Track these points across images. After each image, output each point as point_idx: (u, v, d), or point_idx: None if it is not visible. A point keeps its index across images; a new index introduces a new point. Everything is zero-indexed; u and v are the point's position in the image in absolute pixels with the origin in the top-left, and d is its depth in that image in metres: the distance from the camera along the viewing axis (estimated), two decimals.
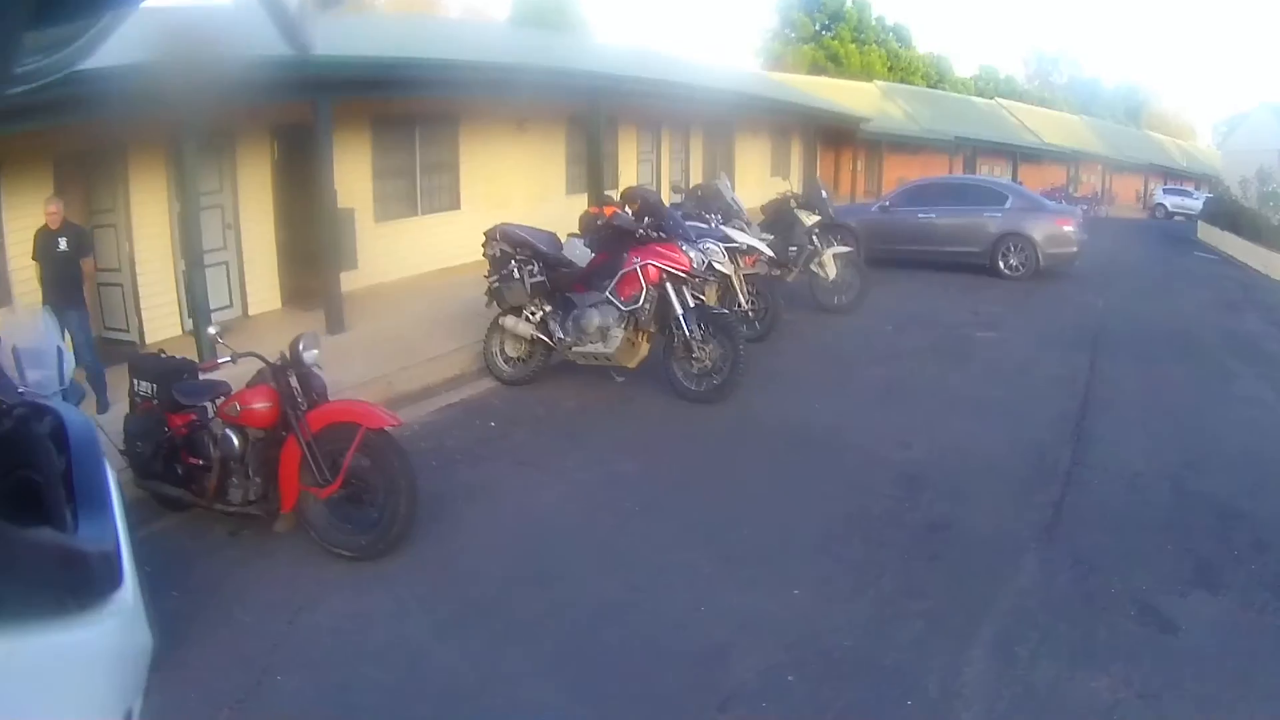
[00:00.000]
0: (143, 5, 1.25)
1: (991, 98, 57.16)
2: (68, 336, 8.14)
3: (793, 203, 13.51)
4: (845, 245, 13.92)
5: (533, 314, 9.93)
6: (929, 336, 12.20)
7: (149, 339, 11.17)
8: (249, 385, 6.11)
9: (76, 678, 1.05)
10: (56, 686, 1.00)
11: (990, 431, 8.41)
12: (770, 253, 12.08)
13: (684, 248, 9.29)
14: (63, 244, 8.75)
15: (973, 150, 40.65)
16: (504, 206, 15.40)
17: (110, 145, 10.78)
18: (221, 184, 12.61)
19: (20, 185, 10.16)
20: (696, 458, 7.93)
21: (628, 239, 9.61)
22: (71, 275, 8.81)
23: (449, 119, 16.48)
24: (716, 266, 10.90)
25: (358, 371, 9.82)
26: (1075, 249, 17.01)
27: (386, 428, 5.82)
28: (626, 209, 10.95)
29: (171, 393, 6.34)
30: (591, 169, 16.92)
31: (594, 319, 9.50)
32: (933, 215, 17.50)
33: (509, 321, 10.05)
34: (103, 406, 8.54)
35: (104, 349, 9.99)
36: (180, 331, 11.54)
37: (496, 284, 10.02)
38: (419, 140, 16.08)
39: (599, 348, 9.58)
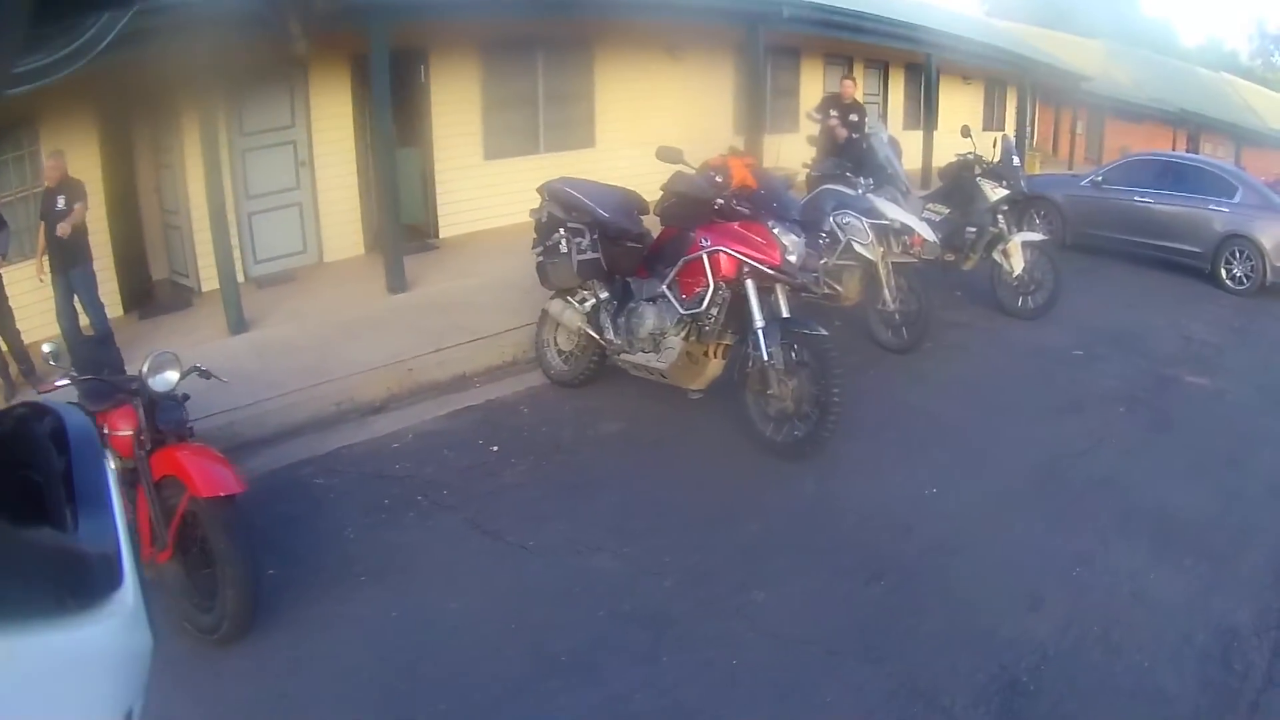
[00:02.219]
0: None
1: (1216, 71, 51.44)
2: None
3: (977, 169, 10.38)
4: (1037, 232, 10.81)
5: (583, 301, 7.47)
6: (1123, 372, 8.87)
7: (204, 287, 10.27)
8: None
9: (76, 678, 1.02)
10: (56, 686, 0.97)
11: (1165, 590, 5.10)
12: (930, 235, 9.04)
13: (777, 232, 6.38)
14: (60, 202, 8.25)
15: (1196, 126, 35.37)
16: (649, 146, 12.69)
17: (167, 81, 9.17)
18: (294, 118, 11.45)
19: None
20: (713, 564, 5.30)
21: (702, 211, 6.79)
22: (73, 234, 8.26)
23: (580, 43, 13.92)
24: (857, 249, 8.27)
25: (388, 348, 8.45)
26: None
27: (221, 495, 4.30)
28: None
29: None
30: (752, 107, 14.07)
31: (648, 319, 7.00)
32: (1149, 200, 13.81)
33: (555, 307, 7.73)
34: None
35: (172, 292, 10.55)
36: (242, 279, 10.36)
37: (541, 258, 7.55)
38: (542, 68, 13.68)
39: (651, 359, 6.93)
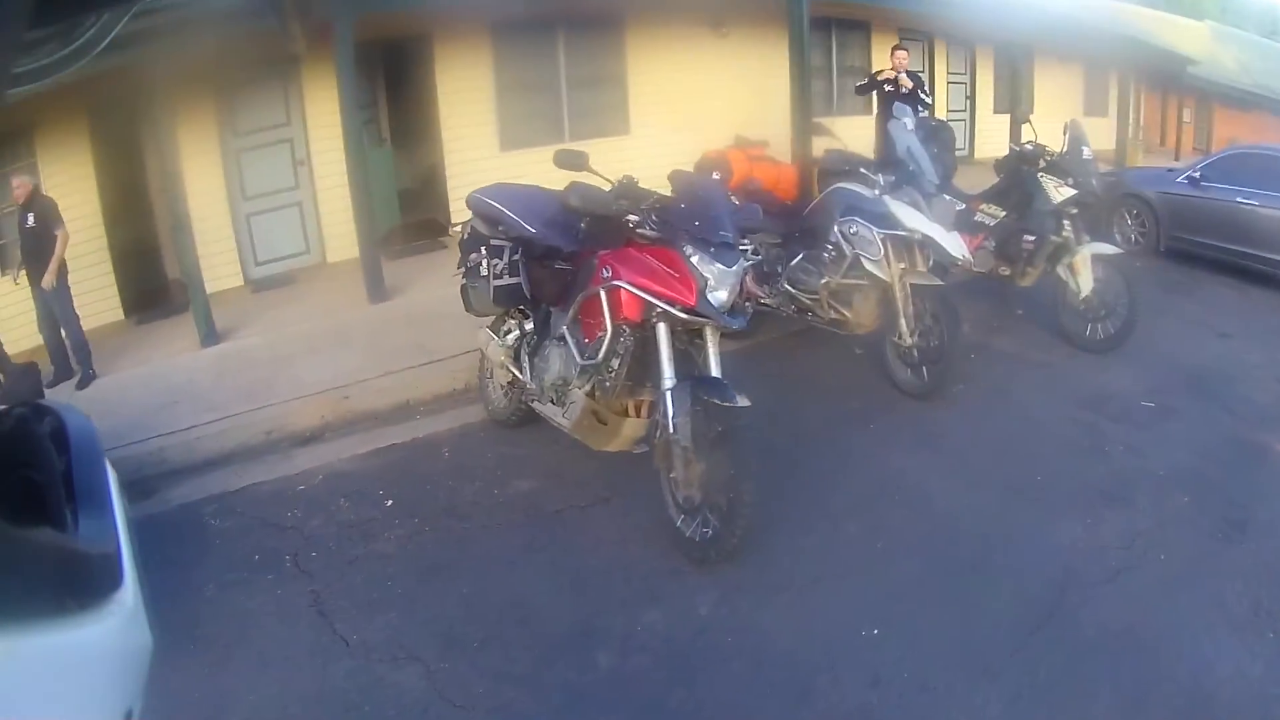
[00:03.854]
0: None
1: None
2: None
3: (1040, 163, 8.34)
4: (1110, 244, 8.64)
5: (508, 332, 6.14)
6: (1198, 437, 6.73)
7: (209, 289, 9.65)
8: None
9: (76, 677, 1.01)
10: (56, 686, 0.96)
11: None
12: (959, 251, 7.06)
13: (695, 261, 4.61)
14: (30, 219, 8.38)
15: None
16: (693, 132, 11.27)
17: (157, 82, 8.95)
18: (289, 116, 11.08)
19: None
20: (529, 710, 3.97)
21: (612, 231, 5.04)
22: (42, 250, 8.41)
23: (611, 21, 12.55)
24: (866, 265, 6.84)
25: (339, 368, 7.78)
26: None
27: None
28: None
29: None
30: (799, 89, 12.33)
31: (553, 364, 5.55)
32: (1255, 203, 11.31)
33: (481, 338, 6.43)
34: (84, 381, 8.30)
35: (180, 293, 10.14)
36: (241, 282, 10.62)
37: (463, 281, 6.13)
38: (564, 48, 12.43)
39: (557, 413, 5.52)
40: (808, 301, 7.55)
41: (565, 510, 5.53)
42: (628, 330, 4.84)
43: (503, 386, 6.48)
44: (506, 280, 5.78)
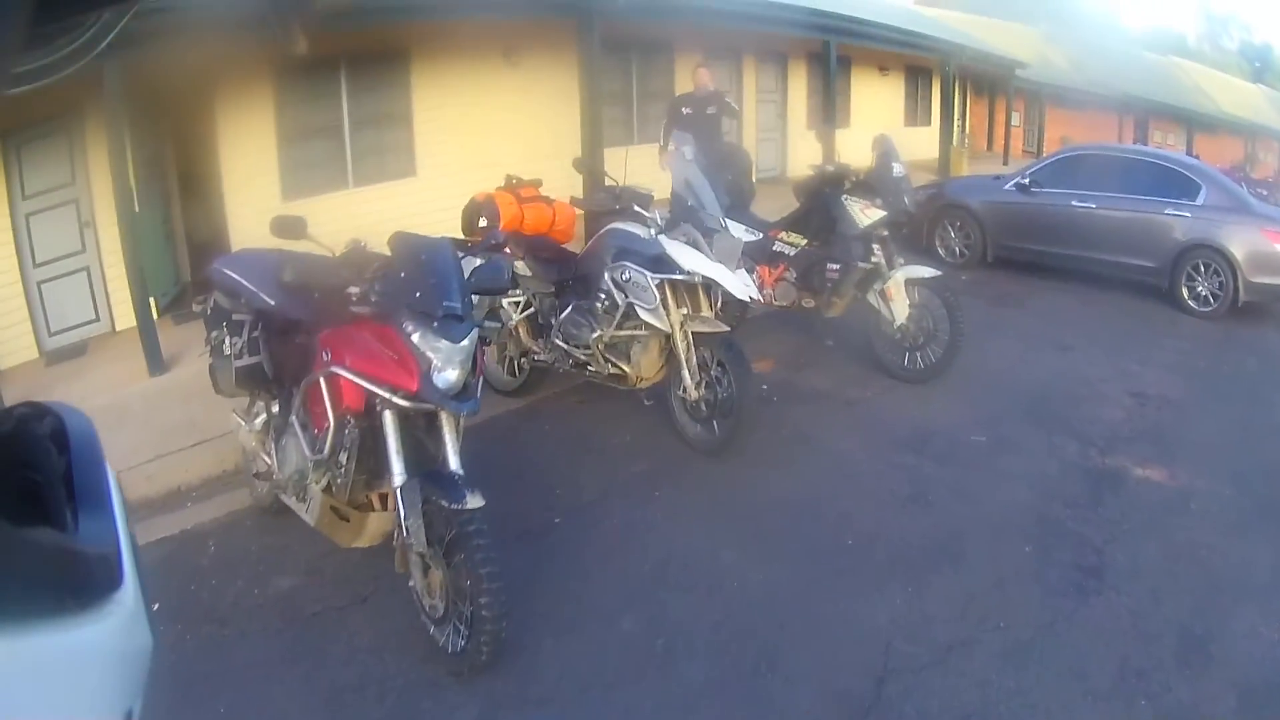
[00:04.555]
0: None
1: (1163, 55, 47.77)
2: None
3: (847, 183, 7.43)
4: (926, 265, 7.83)
5: (257, 415, 5.27)
6: (1039, 470, 5.87)
7: (1, 365, 8.95)
8: None
9: (76, 678, 0.98)
10: (56, 687, 0.93)
11: None
12: (746, 293, 6.00)
13: (416, 339, 3.79)
14: None
15: (1145, 113, 32.87)
16: (486, 169, 9.86)
17: None
18: (74, 174, 9.76)
19: None
20: None
21: (334, 306, 4.14)
22: None
23: (391, 56, 11.46)
24: (642, 314, 5.91)
25: (113, 453, 5.46)
26: None
27: None
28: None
29: None
30: (590, 114, 11.32)
31: (290, 455, 4.69)
32: (1092, 205, 10.94)
33: (232, 422, 5.58)
34: None
35: None
36: (36, 354, 9.48)
37: (211, 360, 5.20)
38: (347, 88, 11.35)
39: (301, 508, 4.65)
40: (583, 356, 6.54)
41: (323, 612, 4.60)
42: (352, 421, 4.12)
43: (257, 474, 5.55)
44: (247, 360, 4.89)
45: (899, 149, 7.60)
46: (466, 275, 4.14)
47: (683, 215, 6.08)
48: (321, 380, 4.12)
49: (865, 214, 7.12)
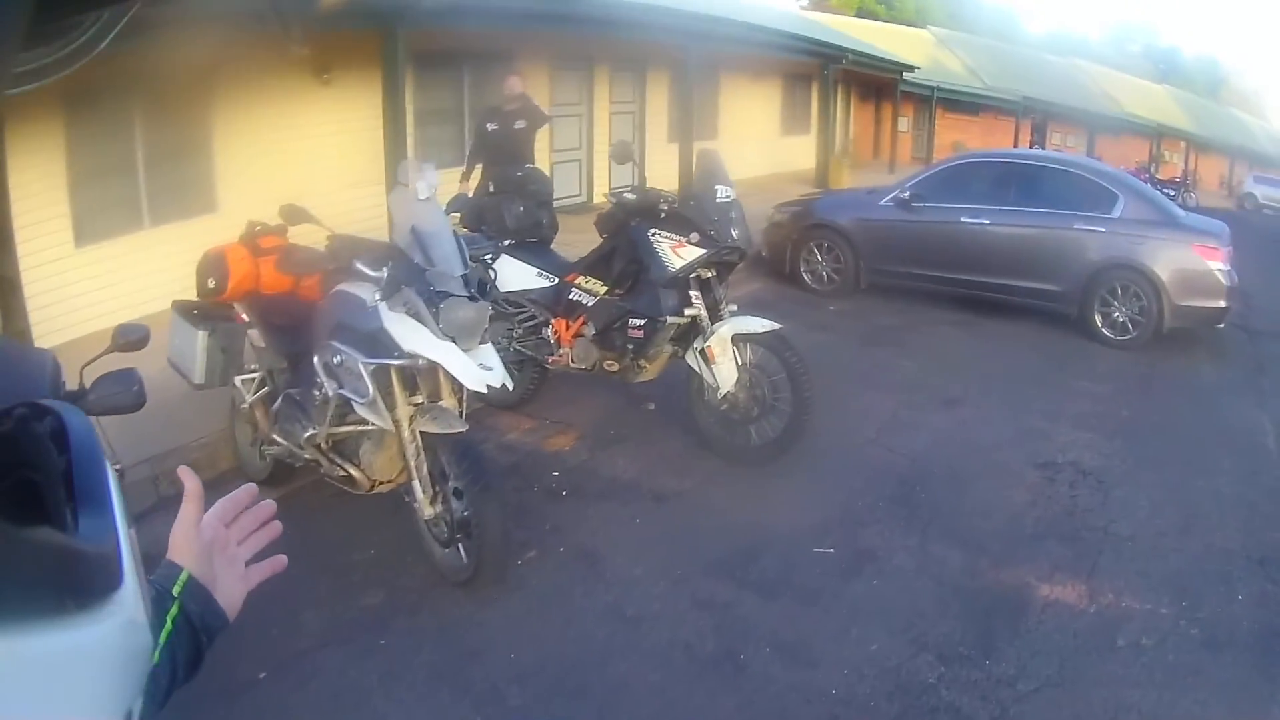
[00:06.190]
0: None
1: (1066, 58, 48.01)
2: None
3: (660, 212, 5.61)
4: (759, 317, 6.00)
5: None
6: (908, 613, 4.15)
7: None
8: None
9: (76, 678, 0.89)
10: (56, 686, 0.86)
11: None
12: (478, 383, 4.11)
13: None
14: None
15: (1044, 115, 32.55)
16: (295, 200, 8.73)
17: None
18: None
19: None
20: None
21: None
22: None
23: (183, 81, 9.87)
24: (357, 409, 4.40)
25: None
26: (1223, 303, 8.63)
27: None
28: None
29: None
30: (394, 137, 9.90)
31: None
32: (985, 220, 9.50)
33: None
34: None
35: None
36: None
37: None
38: (139, 120, 9.98)
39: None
40: (306, 456, 4.79)
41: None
42: None
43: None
44: None
45: (727, 168, 5.86)
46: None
47: (404, 277, 4.29)
48: None
49: (678, 253, 5.41)
